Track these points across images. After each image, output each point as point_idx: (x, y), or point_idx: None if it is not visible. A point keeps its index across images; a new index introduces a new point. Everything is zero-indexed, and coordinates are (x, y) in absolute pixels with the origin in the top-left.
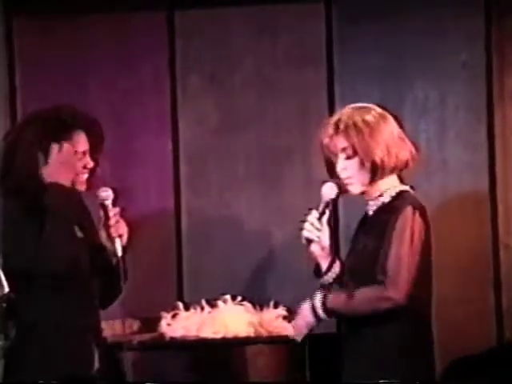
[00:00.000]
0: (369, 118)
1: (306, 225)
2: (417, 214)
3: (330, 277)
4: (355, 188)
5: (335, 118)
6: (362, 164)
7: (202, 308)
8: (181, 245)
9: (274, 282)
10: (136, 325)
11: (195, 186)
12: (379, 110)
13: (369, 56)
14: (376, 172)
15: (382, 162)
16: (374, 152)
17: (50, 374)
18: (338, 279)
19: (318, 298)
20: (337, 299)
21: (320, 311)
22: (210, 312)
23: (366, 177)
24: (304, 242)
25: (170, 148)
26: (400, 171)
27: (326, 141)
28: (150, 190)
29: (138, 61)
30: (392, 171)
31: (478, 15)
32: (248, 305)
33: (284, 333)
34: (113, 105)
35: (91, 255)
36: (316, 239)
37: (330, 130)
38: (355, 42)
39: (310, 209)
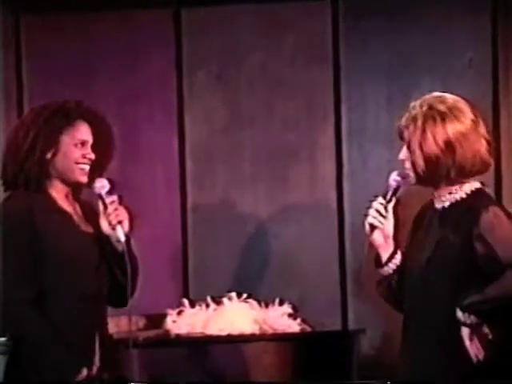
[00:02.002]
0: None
1: (371, 211)
2: (502, 212)
3: (390, 268)
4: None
5: None
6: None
7: (208, 305)
8: (186, 242)
9: (280, 280)
10: (142, 322)
11: (201, 183)
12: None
13: (375, 54)
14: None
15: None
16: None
17: (53, 372)
18: (398, 270)
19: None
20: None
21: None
22: (215, 309)
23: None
24: (367, 228)
25: (177, 145)
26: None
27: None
28: (156, 186)
29: (144, 58)
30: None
31: (484, 14)
32: (253, 302)
33: (289, 330)
34: (120, 102)
35: (102, 248)
36: (380, 226)
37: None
38: (361, 40)
39: (376, 196)
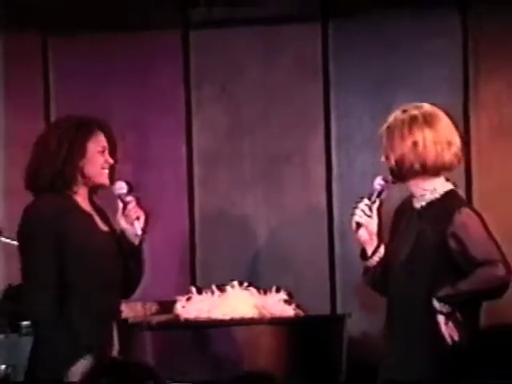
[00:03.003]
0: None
1: (357, 211)
2: (473, 213)
3: (374, 260)
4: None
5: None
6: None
7: (213, 292)
8: (194, 237)
9: (276, 270)
10: (154, 307)
11: (207, 185)
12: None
13: (360, 71)
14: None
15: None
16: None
17: (74, 354)
18: (382, 262)
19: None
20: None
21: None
22: (219, 296)
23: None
24: (354, 226)
25: (185, 151)
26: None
27: None
28: (166, 188)
29: (156, 74)
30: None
31: (456, 36)
32: (253, 290)
33: (284, 314)
34: (134, 112)
35: (118, 243)
36: (365, 224)
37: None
38: (348, 58)
39: (362, 197)
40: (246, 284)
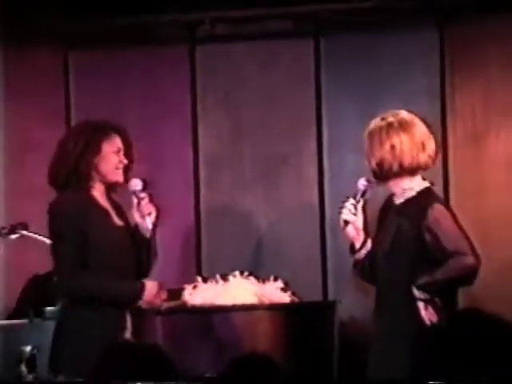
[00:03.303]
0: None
1: (344, 210)
2: (444, 208)
3: (362, 253)
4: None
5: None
6: None
7: (217, 281)
8: (200, 231)
9: (274, 261)
10: (164, 294)
11: (211, 184)
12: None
13: (349, 81)
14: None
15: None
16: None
17: (92, 338)
18: (369, 255)
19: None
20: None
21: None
22: (223, 285)
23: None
24: (342, 224)
25: (191, 154)
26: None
27: None
28: (175, 187)
29: (166, 85)
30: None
31: (434, 54)
32: (253, 279)
33: (281, 301)
34: (146, 120)
35: (131, 236)
36: (352, 221)
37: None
38: (338, 70)
39: (348, 197)
40: (246, 274)
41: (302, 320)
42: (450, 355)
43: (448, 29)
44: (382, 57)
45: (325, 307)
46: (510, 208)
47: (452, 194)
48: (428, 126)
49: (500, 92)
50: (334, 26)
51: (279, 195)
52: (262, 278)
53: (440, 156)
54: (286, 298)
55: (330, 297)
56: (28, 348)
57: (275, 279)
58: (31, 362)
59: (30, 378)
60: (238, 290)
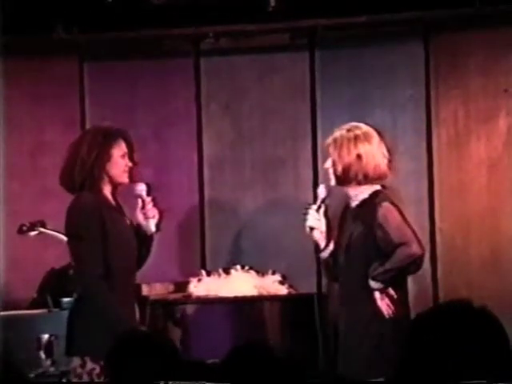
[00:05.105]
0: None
1: (308, 216)
2: (391, 206)
3: (326, 253)
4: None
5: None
6: None
7: (220, 275)
8: (204, 228)
9: (272, 256)
10: (171, 287)
11: (214, 185)
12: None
13: (341, 92)
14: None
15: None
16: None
17: (103, 327)
18: (332, 255)
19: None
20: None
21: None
22: (225, 278)
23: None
24: (307, 229)
25: (196, 158)
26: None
27: None
28: (181, 188)
29: (173, 94)
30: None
31: (420, 66)
32: (253, 272)
33: (279, 293)
34: (154, 127)
35: (136, 234)
36: (316, 226)
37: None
38: (331, 82)
39: (310, 204)
40: (247, 267)
41: (298, 310)
42: (436, 349)
43: (433, 42)
44: (372, 69)
45: (319, 299)
46: (490, 207)
47: (437, 195)
48: (382, 137)
49: (480, 100)
50: (328, 41)
51: (277, 195)
52: (261, 272)
53: (426, 159)
54: (283, 290)
55: (324, 289)
56: (46, 336)
57: (273, 273)
58: (49, 348)
59: (47, 362)
60: (239, 283)
